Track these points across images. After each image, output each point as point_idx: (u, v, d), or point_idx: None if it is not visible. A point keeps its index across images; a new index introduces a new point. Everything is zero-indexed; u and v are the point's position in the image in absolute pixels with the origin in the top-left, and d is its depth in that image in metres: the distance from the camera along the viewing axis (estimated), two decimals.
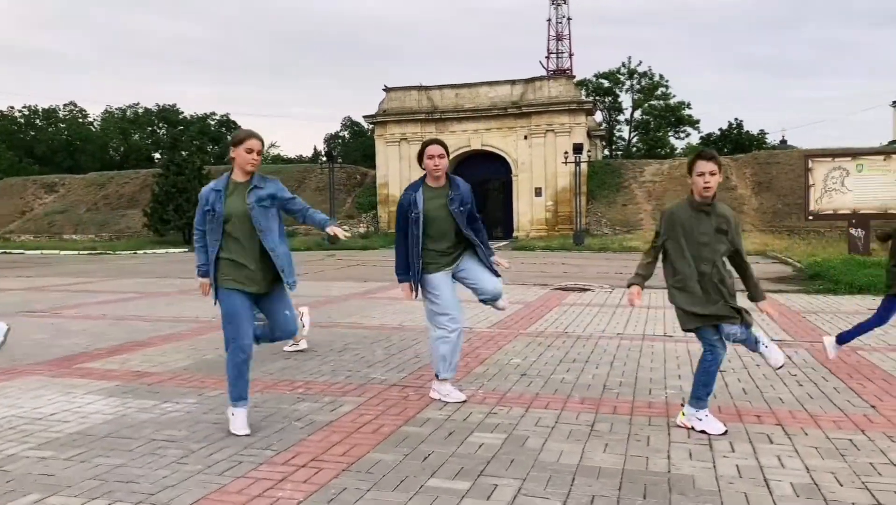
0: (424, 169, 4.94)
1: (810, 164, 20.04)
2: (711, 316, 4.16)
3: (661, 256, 4.37)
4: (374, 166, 38.77)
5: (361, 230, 36.38)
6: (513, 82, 35.84)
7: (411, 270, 4.93)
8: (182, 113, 71.64)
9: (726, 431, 4.19)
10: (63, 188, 43.53)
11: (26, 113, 66.38)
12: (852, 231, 19.48)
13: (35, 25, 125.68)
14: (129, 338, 7.78)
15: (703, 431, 4.22)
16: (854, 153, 21.53)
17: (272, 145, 78.08)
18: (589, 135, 37.97)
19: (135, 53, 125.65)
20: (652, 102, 56.57)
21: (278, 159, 70.76)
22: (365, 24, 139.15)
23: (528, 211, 35.32)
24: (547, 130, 34.81)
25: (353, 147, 67.25)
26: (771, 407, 4.83)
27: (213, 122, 71.61)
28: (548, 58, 65.11)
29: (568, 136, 33.99)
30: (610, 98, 57.58)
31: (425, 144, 4.96)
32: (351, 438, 4.18)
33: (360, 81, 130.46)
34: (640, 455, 3.89)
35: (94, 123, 69.43)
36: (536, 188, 35.13)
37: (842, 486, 3.44)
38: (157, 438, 4.22)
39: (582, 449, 3.98)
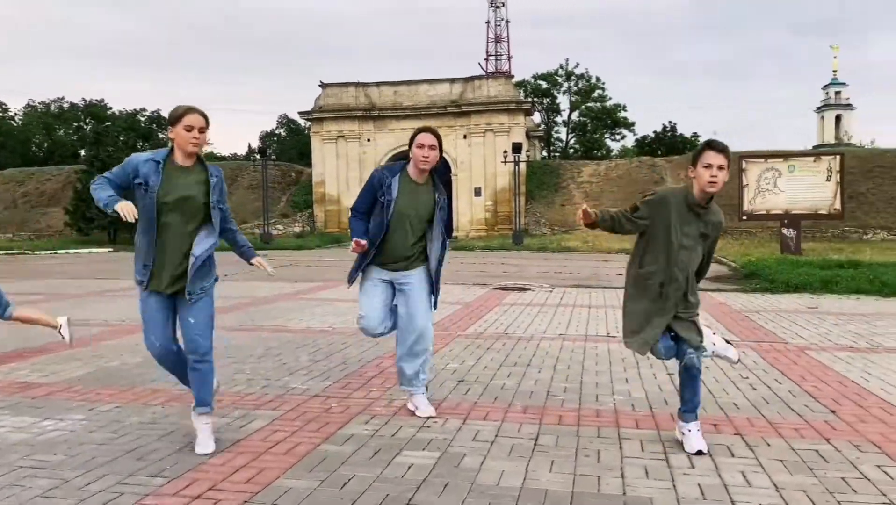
0: (411, 157, 4.36)
1: (744, 165, 20.21)
2: (657, 325, 3.70)
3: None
4: (310, 164, 37.82)
5: (297, 230, 35.38)
6: (452, 81, 35.56)
7: (364, 258, 4.37)
8: (111, 109, 68.43)
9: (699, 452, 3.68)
10: None
11: None
12: (784, 231, 19.77)
13: None
14: (22, 344, 6.96)
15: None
16: (786, 154, 21.94)
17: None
18: (528, 135, 37.97)
19: (60, 47, 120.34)
20: (589, 104, 56.81)
21: (211, 157, 68.56)
22: (301, 19, 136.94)
23: (467, 211, 35.02)
24: (486, 130, 34.60)
25: (290, 145, 65.74)
26: (727, 414, 4.46)
27: (143, 119, 68.79)
28: (487, 60, 65.22)
29: (507, 135, 33.85)
30: (548, 99, 57.61)
31: (418, 131, 4.39)
32: (259, 461, 3.59)
33: (298, 78, 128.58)
34: (591, 474, 3.43)
35: (16, 118, 65.88)
36: (476, 188, 34.88)
37: None
38: (24, 465, 3.54)
39: (525, 468, 3.50)
